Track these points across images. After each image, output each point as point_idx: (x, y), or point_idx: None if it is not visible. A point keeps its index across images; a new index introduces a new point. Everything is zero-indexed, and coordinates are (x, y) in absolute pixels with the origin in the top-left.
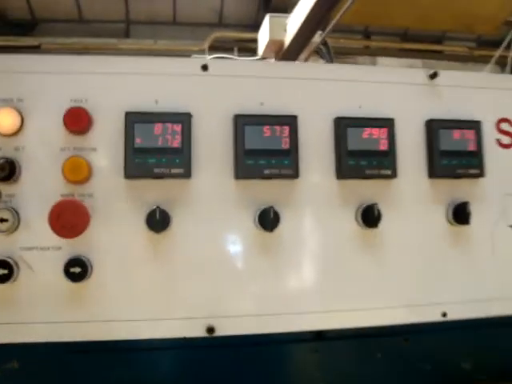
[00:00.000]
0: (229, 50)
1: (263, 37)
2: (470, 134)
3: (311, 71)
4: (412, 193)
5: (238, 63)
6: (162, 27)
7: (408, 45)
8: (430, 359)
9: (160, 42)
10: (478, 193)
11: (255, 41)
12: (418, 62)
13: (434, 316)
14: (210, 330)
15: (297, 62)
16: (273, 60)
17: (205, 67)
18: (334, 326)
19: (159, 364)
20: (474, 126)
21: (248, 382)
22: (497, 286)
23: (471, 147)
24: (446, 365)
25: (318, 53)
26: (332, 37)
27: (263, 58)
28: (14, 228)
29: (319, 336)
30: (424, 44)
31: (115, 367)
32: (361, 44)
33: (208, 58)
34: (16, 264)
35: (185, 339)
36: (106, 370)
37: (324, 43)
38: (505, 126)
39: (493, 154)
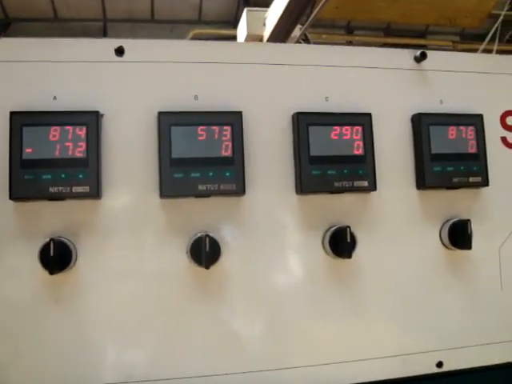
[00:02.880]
0: (213, 40)
1: (242, 32)
2: (468, 132)
3: (259, 53)
4: (396, 209)
5: (162, 44)
6: (141, 25)
7: (391, 39)
8: None
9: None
10: (480, 207)
11: (235, 37)
12: None
13: (427, 367)
14: None
15: (239, 43)
16: None
17: (120, 51)
18: None
19: None
20: (474, 121)
21: None
22: (504, 327)
23: (471, 149)
24: None
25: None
26: (314, 32)
27: None
28: None
29: None
30: (407, 38)
31: None
32: (343, 39)
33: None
34: None
35: None
36: None
37: (305, 38)
38: (511, 121)
39: (498, 157)
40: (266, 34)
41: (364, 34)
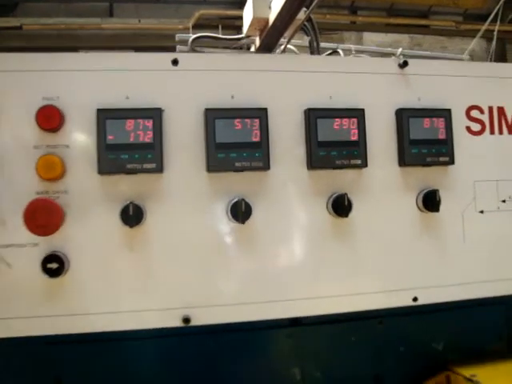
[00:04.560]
0: (214, 27)
1: (247, 15)
2: (439, 123)
3: (281, 63)
4: (383, 181)
5: (208, 57)
6: (146, 5)
7: (394, 19)
8: (404, 341)
9: (144, 21)
10: (448, 180)
11: (240, 18)
12: (405, 36)
13: (405, 301)
14: (186, 320)
15: (267, 55)
16: (257, 38)
17: (175, 62)
18: (309, 313)
19: (141, 353)
20: (444, 114)
21: (227, 366)
22: (467, 271)
23: (441, 135)
24: (419, 346)
25: (303, 29)
26: (318, 12)
27: (248, 37)
28: None
29: (294, 322)
30: (410, 19)
31: (97, 357)
32: (347, 19)
33: (191, 38)
34: None
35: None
36: (87, 359)
37: (308, 19)
38: (475, 114)
39: (463, 142)
40: (272, 16)
41: (367, 15)
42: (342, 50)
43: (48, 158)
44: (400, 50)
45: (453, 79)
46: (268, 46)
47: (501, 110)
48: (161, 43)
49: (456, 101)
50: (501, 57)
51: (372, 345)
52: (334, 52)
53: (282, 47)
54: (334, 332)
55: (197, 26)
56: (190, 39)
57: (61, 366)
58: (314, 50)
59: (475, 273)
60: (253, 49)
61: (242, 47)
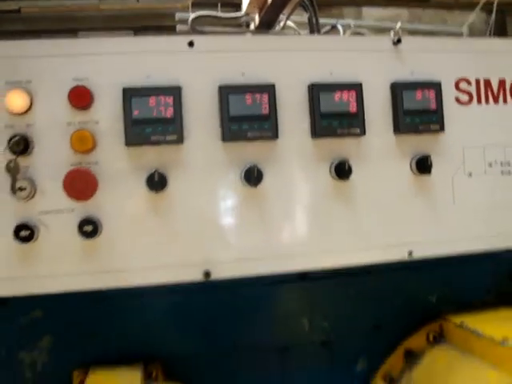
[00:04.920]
0: (213, 5)
1: None
2: (430, 94)
3: (286, 43)
4: (379, 148)
5: (221, 39)
6: None
7: None
8: (400, 293)
9: (143, 0)
10: (438, 146)
11: None
12: (404, 10)
13: (401, 255)
14: (207, 274)
15: (272, 36)
16: (256, 16)
17: (191, 43)
18: (315, 267)
19: (163, 307)
20: (434, 86)
21: (244, 318)
22: (456, 228)
23: (432, 106)
24: (414, 298)
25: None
26: None
27: (247, 14)
28: (32, 195)
29: (302, 277)
30: None
31: (129, 311)
32: None
33: (191, 17)
34: (36, 226)
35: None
36: (121, 314)
37: None
38: (463, 85)
39: (452, 111)
40: None
41: None
42: (342, 25)
43: (80, 133)
44: (399, 24)
45: (442, 55)
46: (267, 24)
47: (487, 82)
48: (160, 23)
49: (446, 74)
50: (501, 29)
51: (371, 297)
52: (334, 28)
53: (282, 24)
54: (338, 286)
55: (196, 5)
56: (190, 18)
57: (92, 320)
58: (314, 26)
59: (464, 229)
60: (252, 26)
61: (241, 25)
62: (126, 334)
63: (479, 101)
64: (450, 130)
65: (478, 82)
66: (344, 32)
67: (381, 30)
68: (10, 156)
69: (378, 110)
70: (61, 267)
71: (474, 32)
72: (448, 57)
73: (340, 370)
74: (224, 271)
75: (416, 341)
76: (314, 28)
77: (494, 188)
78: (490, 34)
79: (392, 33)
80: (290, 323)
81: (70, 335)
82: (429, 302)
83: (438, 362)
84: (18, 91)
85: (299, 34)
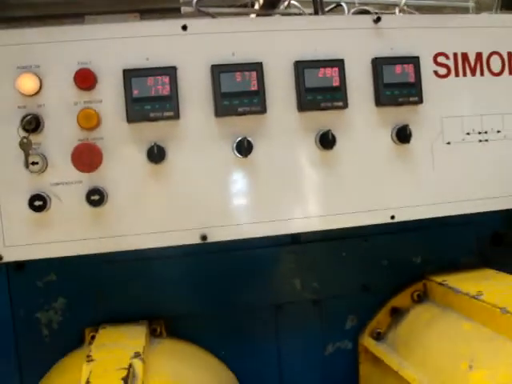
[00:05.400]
0: None
1: None
2: (409, 68)
3: (272, 24)
4: (362, 119)
5: (211, 22)
6: None
7: None
8: (387, 256)
9: None
10: (418, 117)
11: None
12: None
13: (384, 218)
14: (203, 237)
15: (258, 18)
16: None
17: (184, 27)
18: (305, 230)
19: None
20: (413, 61)
21: (238, 280)
22: (436, 193)
23: (411, 79)
24: (400, 260)
25: None
26: None
27: None
28: (44, 169)
29: (294, 240)
30: None
31: (135, 274)
32: None
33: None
34: (48, 197)
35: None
36: (128, 276)
37: None
38: (441, 59)
39: (431, 84)
40: None
41: None
42: (346, 2)
43: (86, 112)
44: (403, 0)
45: (420, 31)
46: (272, 3)
47: (464, 55)
48: (165, 5)
49: (424, 49)
50: (508, 4)
51: (359, 259)
52: (338, 6)
53: (286, 3)
54: (327, 248)
55: None
56: (195, 0)
57: (102, 282)
58: (318, 4)
59: (443, 195)
60: (257, 6)
61: (246, 4)
62: (133, 294)
63: (457, 74)
64: (429, 101)
65: (455, 55)
66: (348, 10)
67: (386, 7)
68: (23, 134)
69: (359, 84)
70: (71, 233)
71: (481, 7)
72: (426, 32)
73: (330, 327)
74: (219, 235)
75: (401, 299)
76: (317, 6)
77: (472, 155)
78: (497, 9)
79: (402, 2)
80: (283, 283)
81: (81, 296)
82: (414, 264)
83: (420, 317)
84: (29, 75)
85: (303, 12)
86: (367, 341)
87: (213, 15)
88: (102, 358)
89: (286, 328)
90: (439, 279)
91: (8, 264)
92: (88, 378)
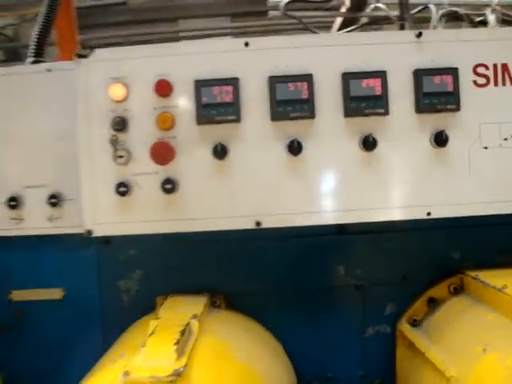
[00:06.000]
0: None
1: None
2: (447, 79)
3: (321, 40)
4: (403, 125)
5: (269, 40)
6: None
7: None
8: (427, 250)
9: None
10: (455, 123)
11: None
12: None
13: (421, 214)
14: (258, 223)
15: (309, 35)
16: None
17: (246, 44)
18: (351, 221)
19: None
20: (452, 72)
21: (290, 263)
22: (470, 194)
23: (449, 88)
24: (439, 255)
25: None
26: None
27: None
28: (128, 161)
29: (341, 231)
30: None
31: (202, 252)
32: None
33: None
34: (130, 184)
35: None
36: (195, 254)
37: None
38: (481, 70)
39: (470, 93)
40: None
41: None
42: (435, 4)
43: (163, 115)
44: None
45: (460, 44)
46: (357, 6)
47: (504, 66)
48: (254, 8)
49: (463, 61)
50: None
51: (401, 252)
52: (425, 8)
53: (372, 6)
54: (370, 240)
55: None
56: (283, 3)
57: (173, 258)
58: (404, 6)
59: (477, 195)
60: (343, 9)
61: (332, 8)
62: (198, 270)
63: (496, 83)
64: (467, 108)
65: (495, 66)
66: (437, 11)
67: (476, 7)
68: (112, 132)
69: (401, 93)
70: (148, 215)
71: None
72: (465, 45)
73: (371, 312)
74: (270, 222)
75: (439, 291)
76: (404, 8)
77: (508, 159)
78: None
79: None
80: (329, 268)
81: (155, 270)
82: (452, 259)
83: (454, 308)
84: (118, 84)
85: (389, 14)
86: (404, 326)
87: (299, 19)
88: (167, 317)
89: (330, 309)
90: (473, 274)
91: (97, 240)
92: (153, 330)
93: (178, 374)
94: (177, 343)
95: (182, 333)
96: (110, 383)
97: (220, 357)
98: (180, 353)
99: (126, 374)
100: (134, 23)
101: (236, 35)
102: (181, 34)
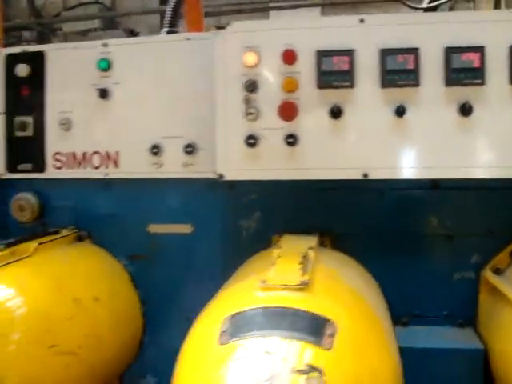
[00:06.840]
0: None
1: None
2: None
3: (427, 18)
4: (497, 95)
5: (382, 17)
6: None
7: None
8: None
9: None
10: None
11: None
12: None
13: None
14: (365, 175)
15: (416, 13)
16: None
17: (362, 20)
18: (440, 177)
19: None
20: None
21: (388, 213)
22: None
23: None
24: None
25: None
26: None
27: None
28: (257, 118)
29: (435, 186)
30: None
31: (314, 198)
32: None
33: None
34: (258, 137)
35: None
36: (308, 199)
37: None
38: None
39: (497, 68)
40: None
41: None
42: None
43: (288, 79)
44: None
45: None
46: None
47: None
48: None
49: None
50: None
51: (487, 208)
52: None
53: None
54: (461, 196)
55: None
56: None
57: (287, 203)
58: None
59: None
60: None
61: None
62: (310, 214)
63: None
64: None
65: None
66: None
67: None
68: (245, 93)
69: (497, 66)
70: (273, 164)
71: None
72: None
73: (458, 259)
74: (377, 174)
75: None
76: None
77: None
78: None
79: None
80: (422, 218)
81: (272, 212)
82: None
83: None
84: (251, 53)
85: (471, 6)
86: (488, 273)
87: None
88: (288, 246)
89: (422, 255)
90: None
91: (224, 184)
92: (279, 254)
93: (305, 284)
94: (301, 263)
95: (304, 257)
96: (248, 290)
97: (333, 279)
98: (304, 270)
99: (264, 281)
100: (235, 12)
101: (324, 6)
102: (270, 5)
